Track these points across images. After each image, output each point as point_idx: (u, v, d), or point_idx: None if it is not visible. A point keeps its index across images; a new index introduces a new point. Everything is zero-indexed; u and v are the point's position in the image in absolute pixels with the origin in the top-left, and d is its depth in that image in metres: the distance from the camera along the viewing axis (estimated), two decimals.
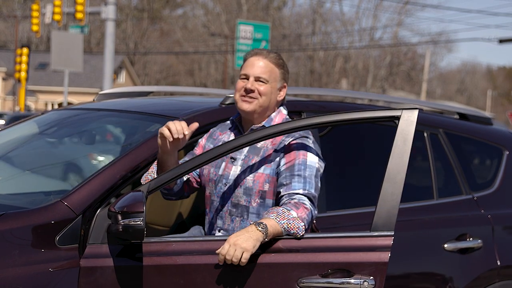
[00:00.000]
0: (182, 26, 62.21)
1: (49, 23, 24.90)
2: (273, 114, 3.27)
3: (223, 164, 3.22)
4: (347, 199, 3.79)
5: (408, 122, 2.97)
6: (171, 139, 3.03)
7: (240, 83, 3.23)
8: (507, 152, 4.39)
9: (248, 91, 3.18)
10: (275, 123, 3.23)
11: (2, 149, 4.02)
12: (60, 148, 4.30)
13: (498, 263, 3.96)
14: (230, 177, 3.17)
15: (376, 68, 59.86)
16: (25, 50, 26.70)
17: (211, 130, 3.38)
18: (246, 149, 3.21)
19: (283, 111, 3.33)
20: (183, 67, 61.86)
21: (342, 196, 3.78)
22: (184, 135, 3.04)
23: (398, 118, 2.99)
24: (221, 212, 3.18)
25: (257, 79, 3.20)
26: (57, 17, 22.37)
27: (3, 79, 53.00)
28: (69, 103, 31.50)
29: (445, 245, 3.79)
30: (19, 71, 26.47)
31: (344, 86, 56.10)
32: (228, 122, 3.38)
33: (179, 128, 3.03)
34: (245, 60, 3.28)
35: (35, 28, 24.54)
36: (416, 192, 4.04)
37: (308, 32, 59.77)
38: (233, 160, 3.20)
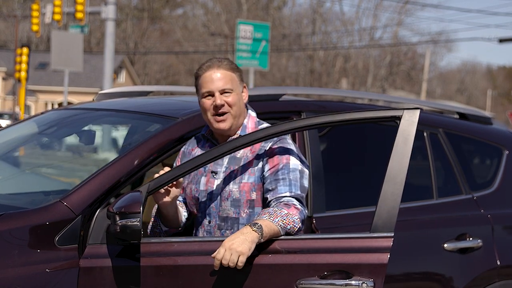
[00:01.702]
0: (182, 26, 62.20)
1: (49, 23, 24.88)
2: (245, 121, 3.22)
3: (204, 179, 3.17)
4: (347, 199, 3.79)
5: (409, 122, 2.96)
6: (163, 191, 3.02)
7: (207, 102, 3.13)
8: (507, 152, 4.38)
9: (219, 107, 3.11)
10: (249, 129, 3.19)
11: (1, 149, 4.02)
12: (59, 148, 4.29)
13: (498, 263, 3.96)
14: (214, 192, 3.13)
15: (376, 68, 59.84)
16: (25, 50, 26.63)
17: (182, 149, 3.31)
18: (225, 161, 3.16)
19: (252, 113, 3.28)
20: (183, 67, 61.83)
21: (342, 196, 3.77)
22: (173, 184, 3.02)
23: (399, 118, 2.98)
24: (209, 228, 3.14)
25: (222, 91, 3.12)
26: (57, 17, 22.36)
27: (3, 79, 52.99)
28: (69, 103, 31.48)
29: (445, 245, 3.79)
30: (19, 71, 26.40)
31: (344, 86, 56.08)
32: (194, 137, 3.31)
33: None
34: (198, 77, 3.18)
35: (35, 28, 24.52)
36: (416, 192, 4.04)
37: (308, 32, 59.74)
38: (214, 174, 3.15)
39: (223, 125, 3.13)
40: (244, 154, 3.16)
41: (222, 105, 3.11)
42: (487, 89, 73.05)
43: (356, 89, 56.97)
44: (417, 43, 61.03)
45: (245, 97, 3.22)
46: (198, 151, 3.22)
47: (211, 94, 3.14)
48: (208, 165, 3.16)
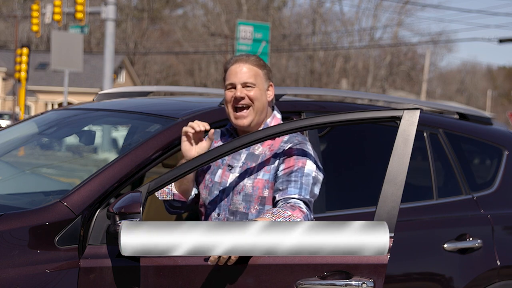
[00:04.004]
0: (182, 26, 62.22)
1: (49, 23, 24.89)
2: (268, 120, 3.25)
3: (220, 171, 3.19)
4: (347, 199, 3.78)
5: (409, 122, 2.96)
6: (193, 131, 3.06)
7: (229, 94, 3.18)
8: (507, 152, 4.38)
9: (238, 99, 3.15)
10: None
11: (1, 149, 4.02)
12: (59, 148, 4.29)
13: (498, 263, 3.96)
14: (228, 185, 3.14)
15: (376, 68, 59.86)
16: (25, 50, 26.65)
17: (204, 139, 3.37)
18: (243, 157, 3.18)
19: (277, 115, 3.30)
20: (183, 67, 61.86)
21: (342, 196, 3.77)
22: (206, 130, 3.07)
23: (399, 118, 2.98)
24: (217, 220, 3.15)
25: (244, 85, 3.16)
26: (57, 17, 22.37)
27: (3, 79, 53.00)
28: (69, 103, 31.49)
29: (445, 245, 3.79)
30: (19, 71, 26.43)
31: (344, 86, 56.09)
32: (219, 130, 3.35)
33: (199, 123, 3.07)
34: (226, 70, 3.23)
35: (35, 28, 24.53)
36: (416, 192, 4.04)
37: (308, 32, 59.77)
38: (230, 167, 3.17)
39: (242, 122, 3.17)
40: (263, 151, 3.18)
41: (242, 98, 3.15)
42: (487, 89, 73.11)
43: (356, 89, 56.98)
44: (417, 43, 61.11)
45: (270, 95, 3.25)
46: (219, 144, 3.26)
47: (233, 86, 3.18)
48: (226, 158, 3.20)
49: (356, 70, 59.66)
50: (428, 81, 61.62)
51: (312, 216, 3.03)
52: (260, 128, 3.21)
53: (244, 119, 3.16)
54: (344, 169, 3.91)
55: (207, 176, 3.22)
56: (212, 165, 3.23)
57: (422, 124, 4.01)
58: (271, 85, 3.26)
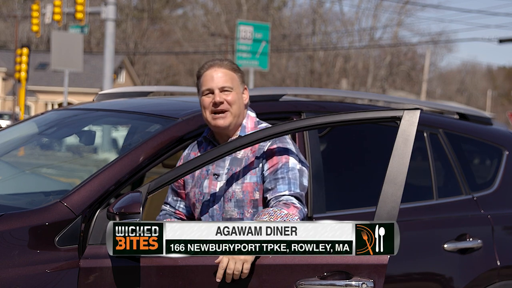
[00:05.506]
0: (182, 26, 62.23)
1: (49, 23, 24.90)
2: (244, 121, 3.25)
3: (206, 181, 3.18)
4: (347, 200, 3.78)
5: (409, 122, 2.96)
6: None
7: (206, 100, 3.17)
8: (507, 152, 4.38)
9: (217, 104, 3.13)
10: (248, 129, 3.21)
11: (1, 149, 4.02)
12: (59, 148, 4.29)
13: (498, 263, 3.96)
14: (217, 194, 3.14)
15: (376, 68, 59.83)
16: (25, 50, 26.64)
17: (184, 154, 3.33)
18: (227, 163, 3.17)
19: (251, 114, 3.30)
20: (183, 67, 61.84)
21: (342, 196, 3.77)
22: None
23: (399, 118, 2.98)
24: None
25: (222, 89, 3.15)
26: (57, 17, 22.36)
27: (3, 79, 52.99)
28: (69, 103, 31.48)
29: (445, 245, 3.79)
30: (19, 71, 26.42)
31: (344, 86, 56.06)
32: (196, 142, 3.32)
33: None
34: (199, 76, 3.21)
35: (35, 28, 24.53)
36: (416, 192, 4.04)
37: (308, 32, 59.75)
38: (216, 176, 3.17)
39: (221, 122, 3.15)
40: (245, 154, 3.17)
41: (221, 102, 3.14)
42: (487, 89, 73.09)
43: (356, 89, 56.96)
44: (417, 43, 61.09)
45: (245, 98, 3.25)
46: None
47: (210, 91, 3.17)
48: (211, 168, 3.18)
49: (356, 70, 59.63)
50: (428, 81, 61.61)
51: (305, 210, 3.04)
52: (238, 131, 3.22)
53: (223, 119, 3.14)
54: (344, 169, 3.91)
55: (196, 190, 3.21)
56: (198, 177, 3.22)
57: (422, 124, 4.00)
58: (245, 89, 3.26)
